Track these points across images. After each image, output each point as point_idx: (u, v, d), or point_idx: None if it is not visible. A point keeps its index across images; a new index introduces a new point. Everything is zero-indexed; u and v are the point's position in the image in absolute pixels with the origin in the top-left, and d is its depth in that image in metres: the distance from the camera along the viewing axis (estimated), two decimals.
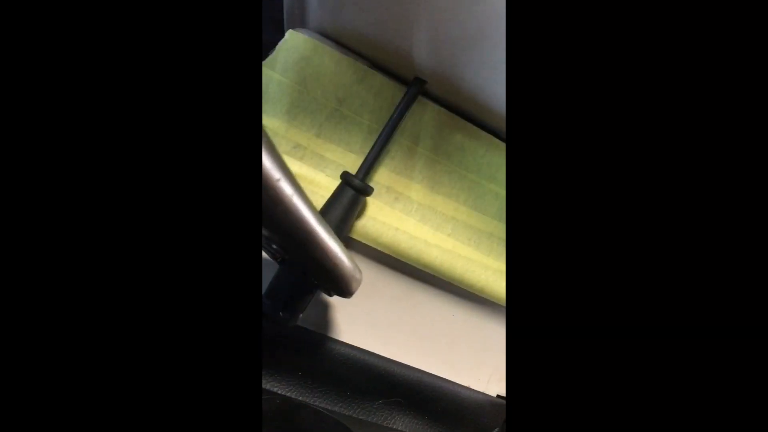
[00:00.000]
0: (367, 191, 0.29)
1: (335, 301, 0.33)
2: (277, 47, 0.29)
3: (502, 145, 0.33)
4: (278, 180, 0.17)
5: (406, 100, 0.29)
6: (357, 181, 0.28)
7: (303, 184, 0.29)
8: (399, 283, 0.34)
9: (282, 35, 0.30)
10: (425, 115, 0.31)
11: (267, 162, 0.17)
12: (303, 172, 0.30)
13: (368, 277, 0.34)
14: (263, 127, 0.19)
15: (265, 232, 0.20)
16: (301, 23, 0.31)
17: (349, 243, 0.32)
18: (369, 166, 0.29)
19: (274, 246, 0.23)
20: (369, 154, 0.29)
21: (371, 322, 0.34)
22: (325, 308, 0.33)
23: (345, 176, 0.28)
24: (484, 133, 0.32)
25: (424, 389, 0.34)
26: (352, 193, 0.28)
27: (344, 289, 0.24)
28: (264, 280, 0.28)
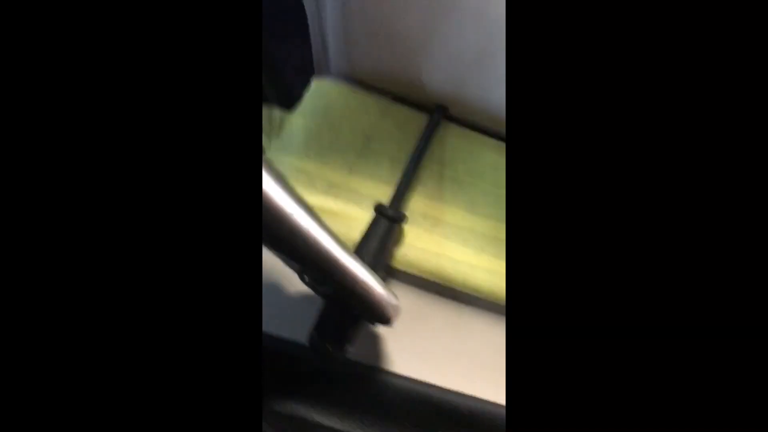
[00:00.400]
0: (401, 218, 0.29)
1: (389, 333, 0.34)
2: (305, 95, 0.32)
3: None
4: (291, 214, 0.19)
5: (430, 126, 0.30)
6: (390, 211, 0.29)
7: (340, 221, 0.31)
8: (449, 310, 0.34)
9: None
10: (451, 138, 0.32)
11: (279, 196, 0.19)
12: (339, 208, 0.31)
13: (417, 305, 0.34)
14: (275, 166, 0.21)
15: (292, 263, 0.22)
16: (325, 71, 0.33)
17: (393, 273, 0.32)
18: (401, 194, 0.29)
19: (307, 278, 0.24)
20: (400, 183, 0.30)
21: (425, 351, 0.34)
22: (378, 341, 0.34)
23: (378, 208, 0.29)
24: None
25: (488, 418, 0.33)
26: (386, 223, 0.29)
27: (381, 316, 0.24)
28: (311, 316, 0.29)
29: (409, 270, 0.31)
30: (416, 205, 0.32)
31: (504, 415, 0.34)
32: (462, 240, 0.32)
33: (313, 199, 0.31)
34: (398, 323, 0.33)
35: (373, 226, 0.29)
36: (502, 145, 0.32)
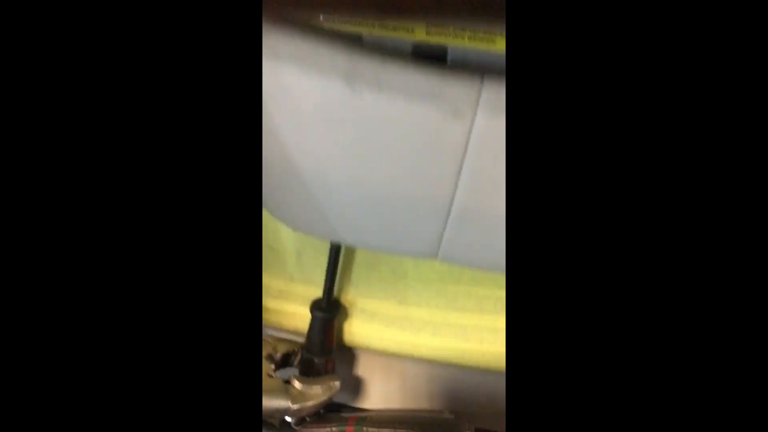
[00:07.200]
0: (333, 313, 0.34)
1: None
2: None
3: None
4: None
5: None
6: (322, 309, 0.34)
7: (298, 318, 0.36)
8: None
9: None
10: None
11: None
12: (293, 309, 0.36)
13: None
14: None
15: None
16: None
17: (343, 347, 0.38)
18: (329, 292, 0.34)
19: None
20: (324, 285, 0.34)
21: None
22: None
23: (312, 306, 0.34)
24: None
25: None
26: (322, 316, 0.34)
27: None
28: None
29: (358, 346, 0.37)
30: (351, 300, 0.36)
31: None
32: (399, 327, 0.35)
33: (271, 302, 0.37)
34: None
35: (312, 321, 0.35)
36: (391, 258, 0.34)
